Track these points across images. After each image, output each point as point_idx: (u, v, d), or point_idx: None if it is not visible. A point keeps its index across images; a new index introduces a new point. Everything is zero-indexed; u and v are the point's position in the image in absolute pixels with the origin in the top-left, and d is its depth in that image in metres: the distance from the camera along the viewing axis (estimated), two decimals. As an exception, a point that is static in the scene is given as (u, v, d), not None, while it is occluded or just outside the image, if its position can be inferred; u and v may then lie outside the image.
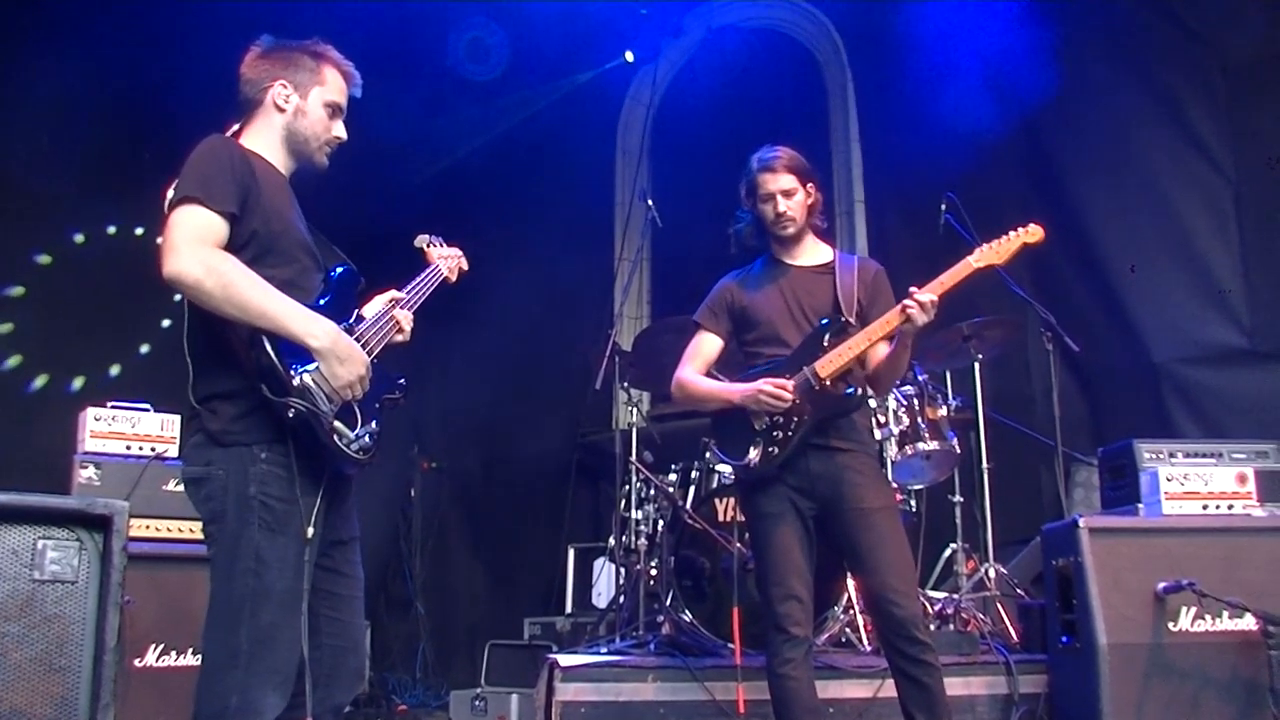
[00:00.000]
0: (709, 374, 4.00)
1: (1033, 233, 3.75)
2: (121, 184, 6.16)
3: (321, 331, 2.62)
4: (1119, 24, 6.21)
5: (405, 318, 3.05)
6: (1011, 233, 3.74)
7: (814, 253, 3.98)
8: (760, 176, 3.86)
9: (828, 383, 3.66)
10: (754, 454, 3.69)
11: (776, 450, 3.67)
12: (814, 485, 3.69)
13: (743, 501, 3.87)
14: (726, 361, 4.08)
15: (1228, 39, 5.87)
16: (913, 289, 3.60)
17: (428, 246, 3.41)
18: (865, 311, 3.80)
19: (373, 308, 3.02)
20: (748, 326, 3.93)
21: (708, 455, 3.89)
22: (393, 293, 3.09)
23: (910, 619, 3.56)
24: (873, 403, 4.91)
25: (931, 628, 4.89)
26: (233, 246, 2.63)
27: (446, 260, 3.38)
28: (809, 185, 3.89)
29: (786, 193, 3.84)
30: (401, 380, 2.96)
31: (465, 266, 3.46)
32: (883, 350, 3.77)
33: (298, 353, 2.59)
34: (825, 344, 3.73)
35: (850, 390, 3.72)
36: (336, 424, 2.65)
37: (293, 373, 2.56)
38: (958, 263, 3.70)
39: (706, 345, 4.00)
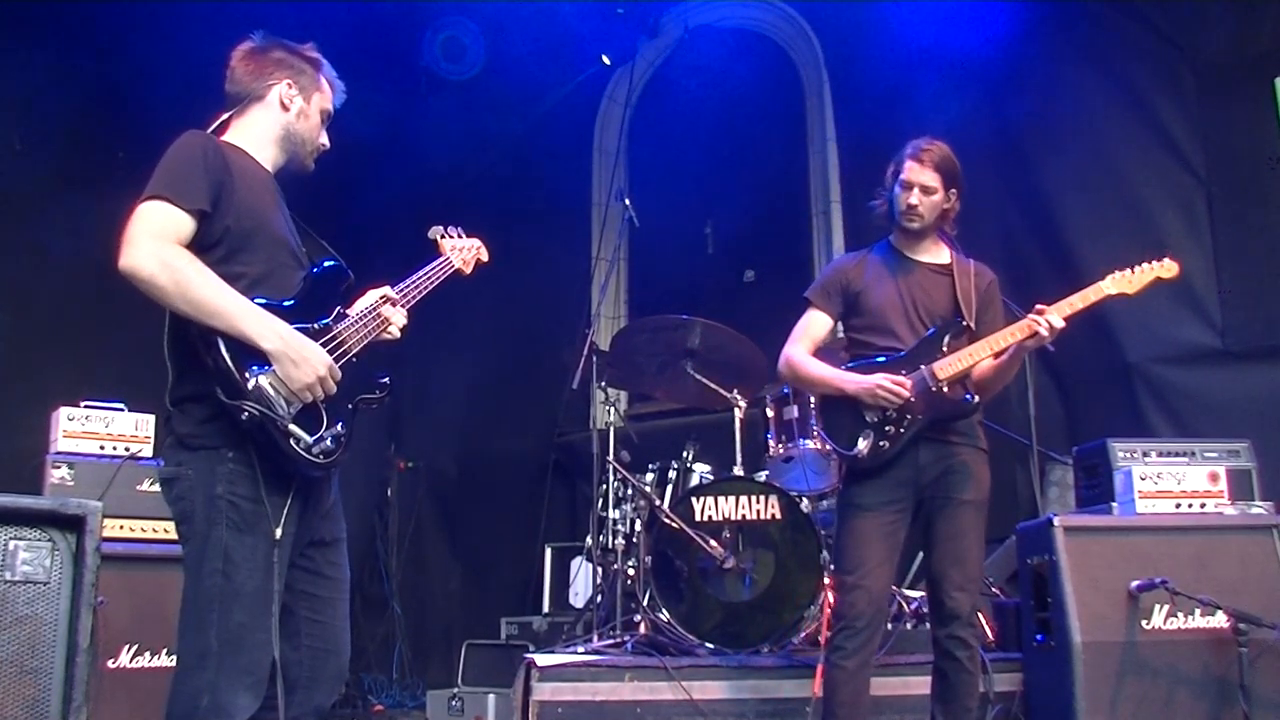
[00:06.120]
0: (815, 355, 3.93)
1: (1168, 268, 3.79)
2: (94, 183, 6.10)
3: (273, 333, 2.57)
4: (1091, 26, 6.24)
5: (396, 314, 2.96)
6: (1146, 265, 3.78)
7: (934, 251, 3.95)
8: (908, 163, 3.82)
9: (944, 385, 3.68)
10: (863, 445, 3.67)
11: (887, 445, 3.66)
12: (919, 476, 3.71)
13: (842, 487, 3.85)
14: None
15: (1197, 40, 5.91)
16: (1041, 306, 3.63)
17: (441, 238, 3.31)
18: (978, 318, 3.80)
19: (361, 305, 2.95)
20: (858, 312, 3.91)
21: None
22: (385, 289, 3.01)
23: (957, 613, 3.64)
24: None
25: (909, 626, 4.92)
26: (203, 243, 2.61)
27: (461, 252, 3.29)
28: (952, 190, 3.84)
29: (926, 189, 3.80)
30: (385, 379, 2.90)
31: (485, 257, 3.39)
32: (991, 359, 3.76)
33: (256, 355, 2.55)
34: (945, 346, 3.74)
35: (968, 396, 3.74)
36: (292, 428, 2.59)
37: (248, 375, 2.53)
38: (1088, 286, 3.72)
39: (816, 325, 3.95)
